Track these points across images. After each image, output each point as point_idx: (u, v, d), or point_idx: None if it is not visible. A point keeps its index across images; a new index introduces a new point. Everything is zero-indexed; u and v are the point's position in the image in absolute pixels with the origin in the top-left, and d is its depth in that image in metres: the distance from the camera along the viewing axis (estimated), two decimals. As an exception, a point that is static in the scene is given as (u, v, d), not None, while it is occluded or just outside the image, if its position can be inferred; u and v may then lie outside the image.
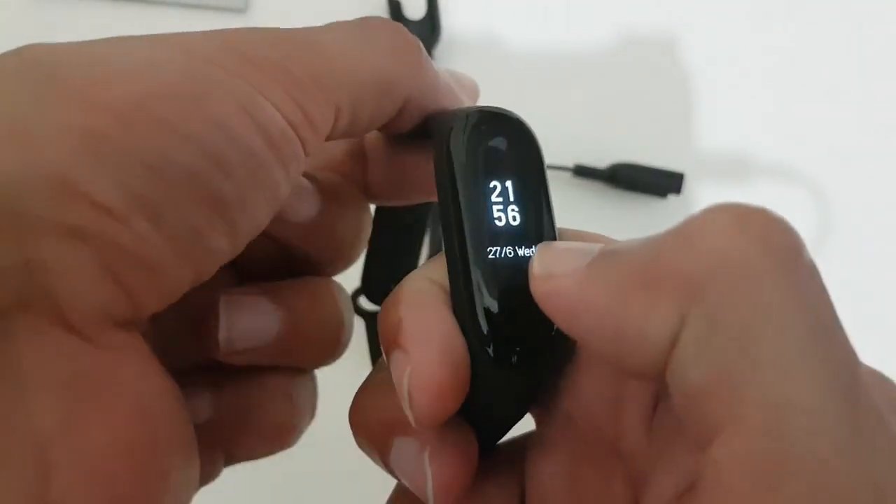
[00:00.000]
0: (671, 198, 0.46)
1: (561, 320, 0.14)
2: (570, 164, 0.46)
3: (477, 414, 0.16)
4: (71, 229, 0.13)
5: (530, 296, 0.15)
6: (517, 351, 0.15)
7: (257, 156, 0.15)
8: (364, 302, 0.38)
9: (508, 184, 0.16)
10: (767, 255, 0.12)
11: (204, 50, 0.14)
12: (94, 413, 0.13)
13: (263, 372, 0.20)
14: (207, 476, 0.19)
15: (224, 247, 0.15)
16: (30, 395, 0.12)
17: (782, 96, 0.48)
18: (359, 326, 0.39)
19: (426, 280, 0.17)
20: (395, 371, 0.15)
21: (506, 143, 0.16)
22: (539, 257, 0.15)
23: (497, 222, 0.16)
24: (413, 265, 0.31)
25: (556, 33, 0.48)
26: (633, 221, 0.47)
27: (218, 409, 0.19)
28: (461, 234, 0.16)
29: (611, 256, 0.14)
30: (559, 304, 0.14)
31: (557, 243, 0.16)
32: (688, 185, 0.45)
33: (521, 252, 0.16)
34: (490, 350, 0.15)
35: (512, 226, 0.16)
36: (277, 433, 0.20)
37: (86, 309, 0.13)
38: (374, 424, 0.17)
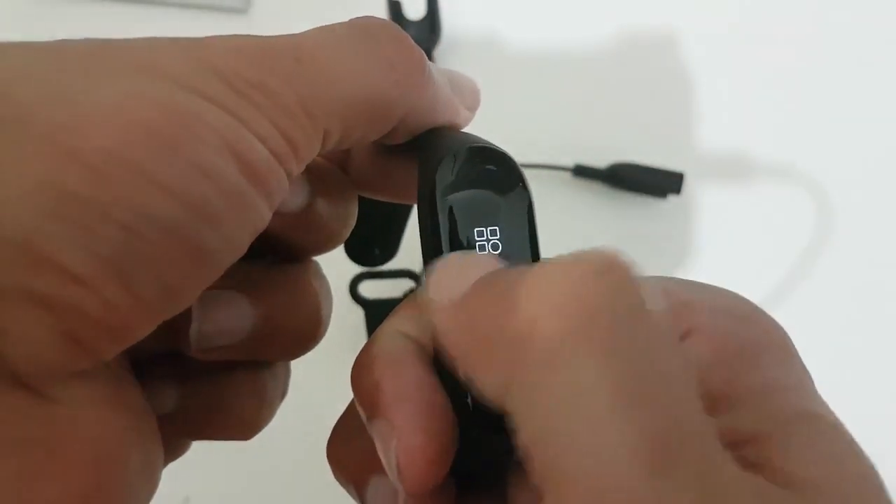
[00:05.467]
0: (671, 198, 0.46)
1: (437, 345, 0.14)
2: (570, 163, 0.46)
3: (458, 466, 0.16)
4: (34, 297, 0.12)
5: None
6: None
7: (241, 196, 0.14)
8: (363, 290, 0.38)
9: (495, 233, 0.16)
10: (570, 325, 0.12)
11: (182, 74, 0.13)
12: (48, 471, 0.12)
13: (233, 364, 0.19)
14: (174, 456, 0.19)
15: (199, 292, 0.14)
16: None
17: (782, 96, 0.48)
18: (357, 311, 0.39)
19: (400, 336, 0.16)
20: (379, 441, 0.15)
21: (493, 185, 0.16)
22: (428, 279, 0.15)
23: None
24: (398, 230, 0.31)
25: (556, 33, 0.49)
26: (632, 222, 0.47)
27: (183, 400, 0.19)
28: None
29: (476, 297, 0.14)
30: (435, 336, 0.14)
31: (447, 261, 0.15)
32: (688, 185, 0.45)
33: None
34: (476, 416, 0.15)
35: None
36: (244, 424, 0.20)
37: (42, 370, 0.13)
38: (350, 462, 0.17)
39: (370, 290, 0.39)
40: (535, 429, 0.12)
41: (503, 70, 0.48)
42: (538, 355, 0.12)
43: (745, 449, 0.13)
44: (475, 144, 0.16)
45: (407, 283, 0.40)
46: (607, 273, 0.12)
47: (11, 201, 0.12)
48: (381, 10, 0.45)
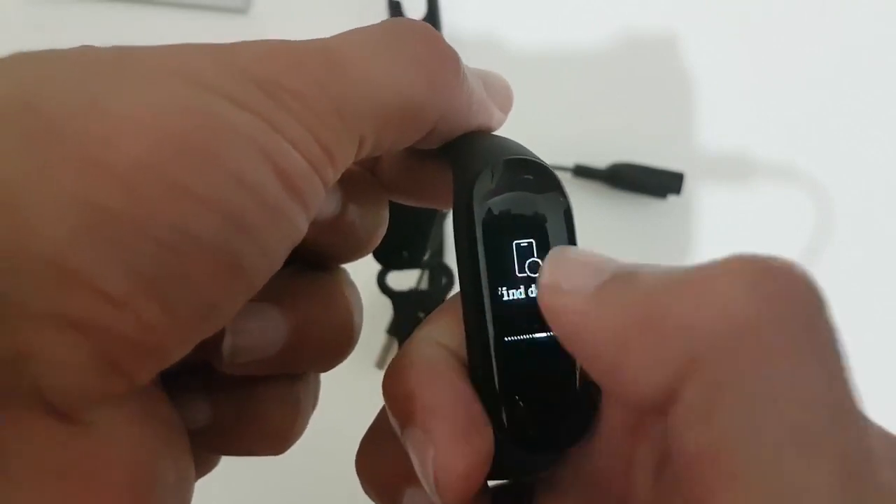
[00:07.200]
0: (671, 198, 0.46)
1: (562, 337, 0.14)
2: (570, 164, 0.46)
3: (490, 477, 0.16)
4: (68, 321, 0.11)
5: (552, 377, 0.14)
6: (537, 430, 0.15)
7: (280, 207, 0.13)
8: (391, 281, 0.38)
9: (534, 243, 0.16)
10: (782, 324, 0.11)
11: (212, 78, 0.13)
12: (83, 499, 0.12)
13: (266, 377, 0.19)
14: (203, 471, 0.19)
15: (237, 309, 0.14)
16: (15, 490, 0.12)
17: (782, 96, 0.48)
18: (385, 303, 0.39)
19: (434, 345, 0.16)
20: (415, 452, 0.15)
21: (531, 195, 0.16)
22: (550, 266, 0.14)
23: (520, 299, 0.15)
24: (425, 232, 0.31)
25: (557, 33, 0.48)
26: (632, 222, 0.47)
27: (216, 415, 0.18)
28: (481, 312, 0.15)
29: (624, 284, 0.13)
30: (563, 321, 0.14)
31: (571, 252, 0.15)
32: (688, 185, 0.45)
33: (543, 334, 0.15)
34: (510, 429, 0.15)
35: (534, 300, 0.15)
36: (278, 437, 0.19)
37: (76, 396, 0.12)
38: (382, 475, 0.17)
39: (395, 281, 0.39)
40: (716, 430, 0.11)
41: (503, 70, 0.47)
42: (739, 350, 0.11)
43: None
44: (512, 157, 0.16)
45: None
46: (804, 275, 0.12)
47: (41, 218, 0.11)
48: (381, 10, 0.45)
